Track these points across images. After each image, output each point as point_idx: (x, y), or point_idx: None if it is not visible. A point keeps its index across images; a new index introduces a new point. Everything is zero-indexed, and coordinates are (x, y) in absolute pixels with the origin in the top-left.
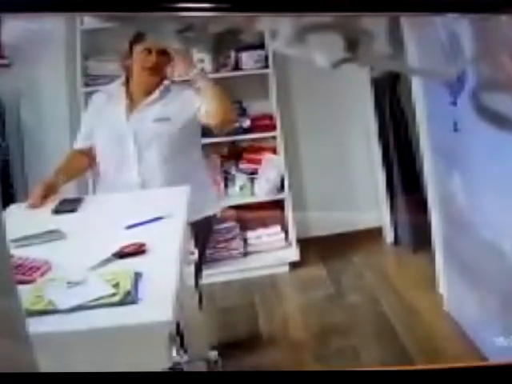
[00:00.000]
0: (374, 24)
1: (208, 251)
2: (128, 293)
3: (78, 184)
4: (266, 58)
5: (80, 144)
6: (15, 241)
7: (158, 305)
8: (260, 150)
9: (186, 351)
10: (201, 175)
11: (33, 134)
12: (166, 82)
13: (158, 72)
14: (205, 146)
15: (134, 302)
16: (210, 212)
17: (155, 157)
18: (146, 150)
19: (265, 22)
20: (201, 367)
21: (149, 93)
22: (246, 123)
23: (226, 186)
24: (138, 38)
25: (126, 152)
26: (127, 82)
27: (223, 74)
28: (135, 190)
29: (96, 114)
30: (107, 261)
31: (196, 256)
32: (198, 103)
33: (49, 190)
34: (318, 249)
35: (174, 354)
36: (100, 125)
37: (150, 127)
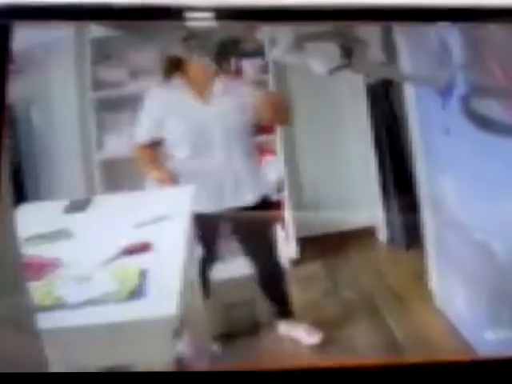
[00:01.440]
0: (368, 33)
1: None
2: (134, 289)
3: (87, 185)
4: (266, 64)
5: (146, 138)
6: (26, 239)
7: (163, 300)
8: (260, 151)
9: (189, 345)
10: (257, 157)
11: (44, 137)
12: (221, 77)
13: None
14: None
15: (140, 297)
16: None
17: (237, 142)
18: (229, 137)
19: (264, 31)
20: (203, 359)
21: (208, 85)
22: None
23: None
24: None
25: (211, 140)
26: (185, 76)
27: None
28: (223, 173)
29: (164, 108)
30: (114, 258)
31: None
32: (253, 100)
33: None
34: (316, 247)
35: (179, 347)
36: (174, 117)
37: (230, 116)
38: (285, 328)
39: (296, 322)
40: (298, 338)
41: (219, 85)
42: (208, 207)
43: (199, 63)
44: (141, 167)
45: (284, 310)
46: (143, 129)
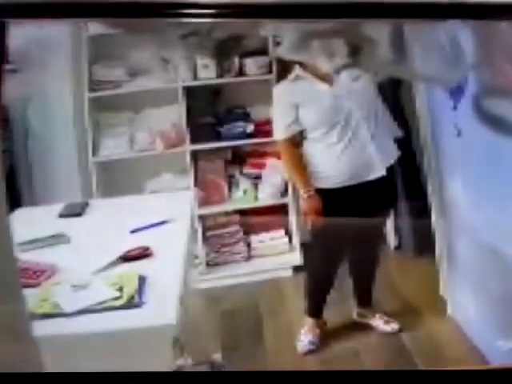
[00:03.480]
0: (377, 30)
1: (212, 255)
2: (132, 296)
3: (83, 188)
4: (270, 63)
5: (290, 131)
6: (21, 244)
7: (162, 308)
8: (264, 154)
9: (190, 354)
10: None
11: (40, 138)
12: None
13: None
14: (209, 151)
15: (138, 305)
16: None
17: (371, 112)
18: (367, 109)
19: (269, 28)
20: (204, 370)
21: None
22: (250, 128)
23: (229, 190)
24: None
25: (350, 116)
26: (303, 66)
27: (227, 79)
28: (368, 146)
29: (296, 99)
30: (112, 264)
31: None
32: None
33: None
34: None
35: (179, 356)
36: (309, 104)
37: (358, 90)
38: (361, 314)
39: (372, 311)
40: (375, 325)
41: None
42: (352, 182)
43: None
44: (285, 167)
45: (366, 298)
46: (281, 125)
